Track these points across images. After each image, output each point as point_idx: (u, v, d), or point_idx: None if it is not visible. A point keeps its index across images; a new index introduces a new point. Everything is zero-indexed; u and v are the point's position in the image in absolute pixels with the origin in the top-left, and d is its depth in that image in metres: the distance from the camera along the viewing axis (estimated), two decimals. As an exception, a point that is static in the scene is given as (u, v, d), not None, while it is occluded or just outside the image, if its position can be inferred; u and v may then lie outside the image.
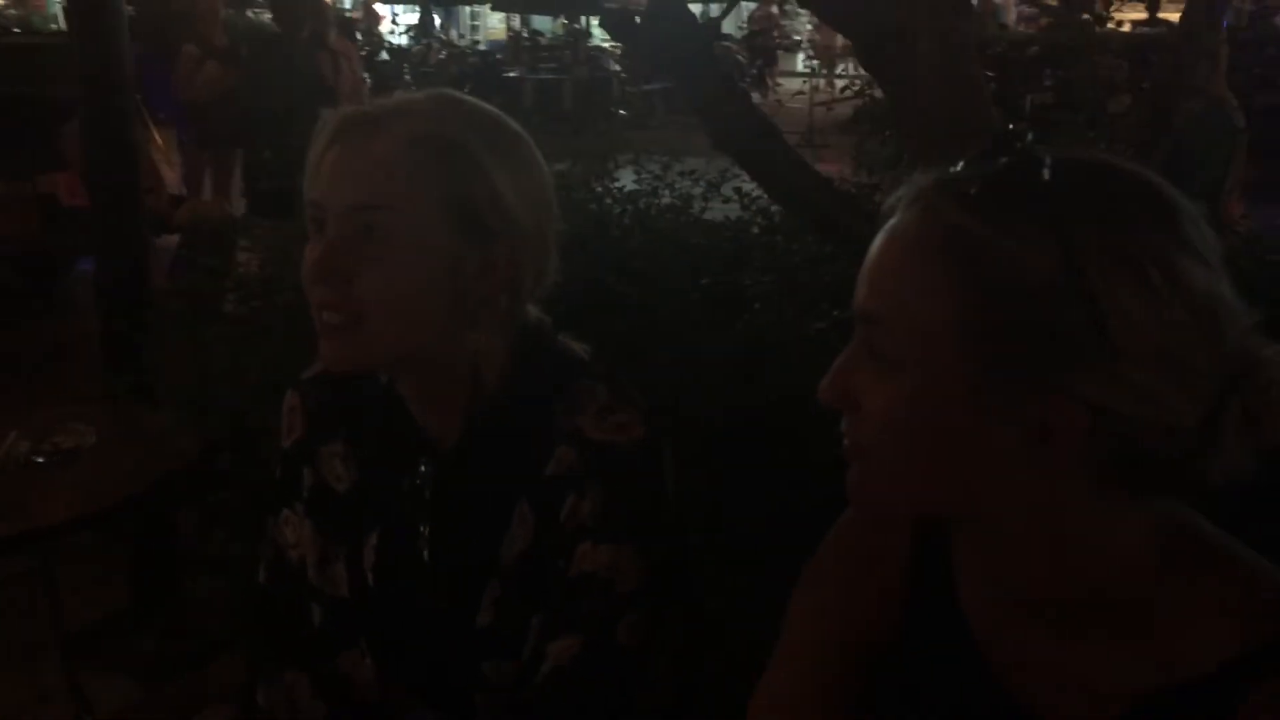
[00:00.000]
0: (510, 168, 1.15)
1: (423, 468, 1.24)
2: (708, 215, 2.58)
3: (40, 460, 2.09)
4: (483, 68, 14.79)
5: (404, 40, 17.06)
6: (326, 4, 6.04)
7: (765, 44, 17.63)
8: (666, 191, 2.57)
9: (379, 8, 18.86)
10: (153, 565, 2.92)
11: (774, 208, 2.31)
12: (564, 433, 1.17)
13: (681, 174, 2.58)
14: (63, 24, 16.94)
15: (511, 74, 14.41)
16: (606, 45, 14.80)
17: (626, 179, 2.79)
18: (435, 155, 1.11)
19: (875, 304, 0.83)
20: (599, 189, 2.64)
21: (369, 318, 1.11)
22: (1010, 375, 0.78)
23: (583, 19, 14.50)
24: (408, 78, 12.99)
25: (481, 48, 17.25)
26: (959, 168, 0.84)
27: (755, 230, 2.31)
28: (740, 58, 16.52)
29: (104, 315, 2.78)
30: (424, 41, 15.74)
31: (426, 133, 1.12)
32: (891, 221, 0.85)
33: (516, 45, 15.91)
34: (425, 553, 1.25)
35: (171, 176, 5.67)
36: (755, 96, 16.96)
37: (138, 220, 2.82)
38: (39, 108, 5.64)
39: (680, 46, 1.58)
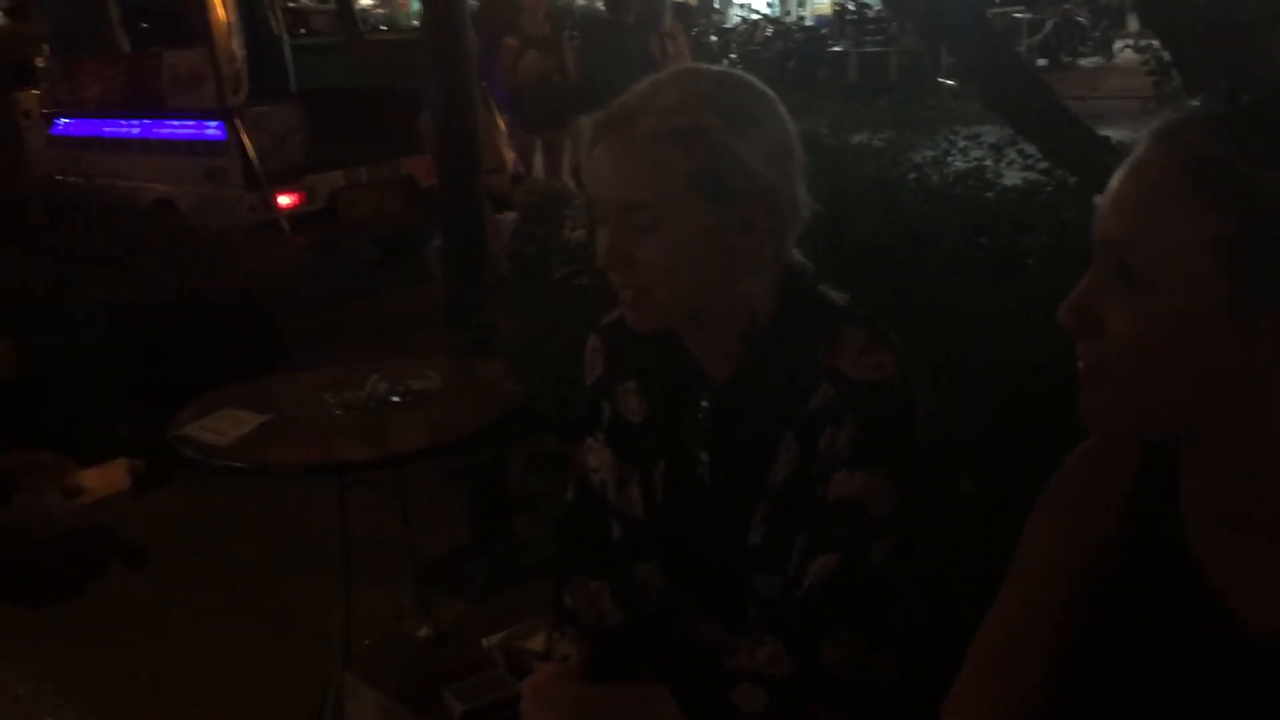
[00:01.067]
0: (750, 133, 1.27)
1: (704, 403, 1.39)
2: (1006, 181, 2.59)
3: (396, 400, 2.43)
4: (808, 43, 14.84)
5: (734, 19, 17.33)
6: (659, -11, 6.29)
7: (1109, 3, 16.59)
8: (958, 157, 2.61)
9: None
10: (489, 504, 3.25)
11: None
12: (826, 371, 1.29)
13: (968, 139, 2.62)
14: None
15: (837, 48, 14.38)
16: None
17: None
18: (678, 144, 1.25)
19: (1124, 230, 0.87)
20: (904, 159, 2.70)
21: (654, 291, 1.29)
22: (1264, 293, 0.82)
23: (910, -11, 14.17)
24: (734, 56, 13.24)
25: (808, 23, 17.28)
26: (1201, 103, 0.88)
27: (1047, 193, 2.32)
28: (1081, 19, 15.67)
29: (447, 279, 3.14)
30: (750, 20, 15.94)
31: (668, 126, 1.25)
32: (1136, 154, 0.89)
33: (842, 19, 15.84)
34: (706, 477, 1.40)
35: (513, 158, 6.14)
36: (1098, 60, 16.09)
37: (476, 195, 3.15)
38: (401, 98, 6.22)
39: (951, 13, 1.64)
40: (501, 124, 6.15)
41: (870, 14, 15.83)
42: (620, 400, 1.47)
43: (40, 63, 7.77)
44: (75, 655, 3.03)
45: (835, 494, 1.27)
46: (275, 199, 6.10)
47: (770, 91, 1.34)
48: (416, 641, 2.14)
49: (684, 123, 1.26)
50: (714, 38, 15.04)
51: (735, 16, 18.13)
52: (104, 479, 1.34)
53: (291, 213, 6.19)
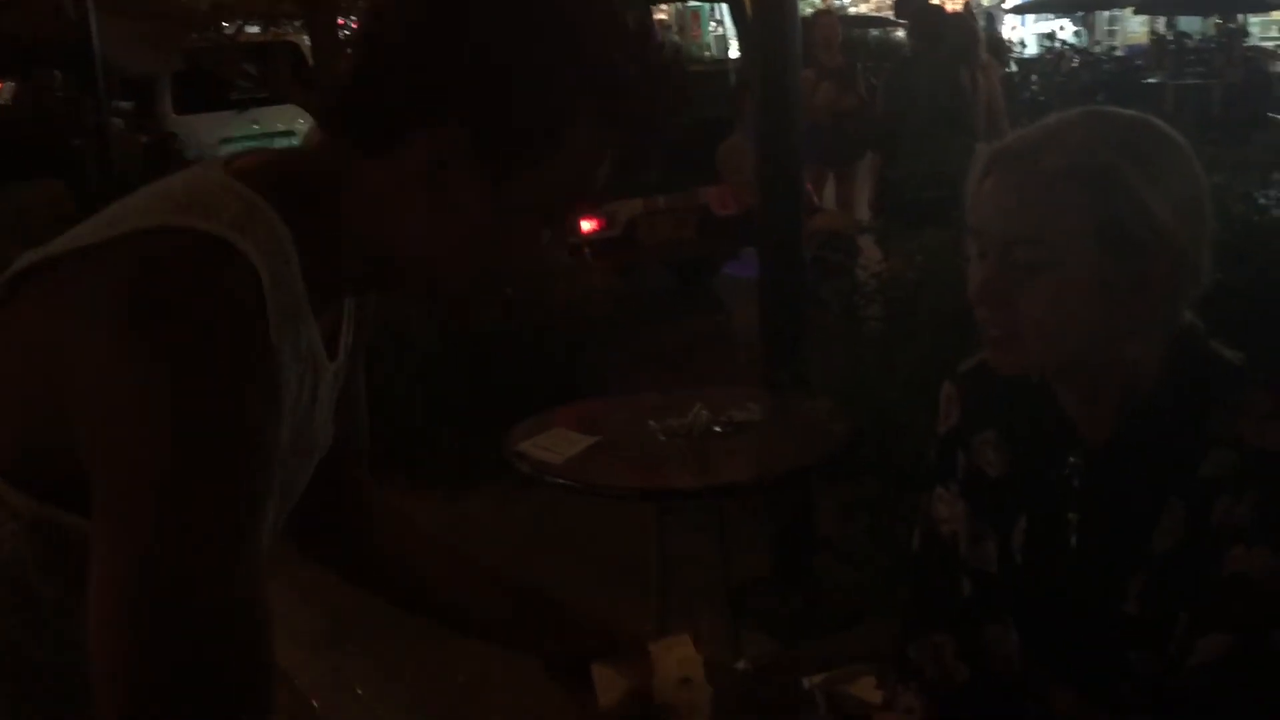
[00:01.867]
0: (1162, 182, 1.18)
1: (1072, 459, 1.31)
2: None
3: (718, 430, 2.44)
4: (1119, 74, 14.10)
5: (1033, 49, 16.73)
6: (973, 22, 6.16)
7: None
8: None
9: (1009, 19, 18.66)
10: (793, 540, 3.22)
11: None
12: (1223, 437, 1.19)
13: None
14: (715, 52, 18.69)
15: (1151, 80, 13.60)
16: (1269, 45, 13.43)
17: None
18: (1083, 186, 1.17)
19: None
20: (1261, 199, 2.50)
21: (1026, 335, 1.22)
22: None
23: (1239, 16, 13.28)
24: (1035, 88, 12.77)
25: (1118, 53, 16.44)
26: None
27: None
28: None
29: (763, 311, 3.14)
30: (1055, 49, 15.32)
31: (1074, 164, 1.18)
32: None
33: (1161, 49, 14.97)
34: (1073, 539, 1.31)
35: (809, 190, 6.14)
36: None
37: (797, 227, 3.14)
38: (699, 128, 6.36)
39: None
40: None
41: (1190, 43, 14.92)
42: (976, 452, 1.41)
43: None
44: (399, 652, 3.17)
45: (1232, 569, 1.17)
46: (578, 224, 6.29)
47: (1183, 140, 1.24)
48: (734, 673, 2.13)
49: (1095, 163, 1.18)
50: (1014, 67, 14.54)
51: (1040, 45, 17.50)
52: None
53: (592, 238, 6.38)
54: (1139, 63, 14.86)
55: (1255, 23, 16.36)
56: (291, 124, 10.54)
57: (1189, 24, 16.56)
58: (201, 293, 0.83)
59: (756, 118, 3.21)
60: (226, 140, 9.51)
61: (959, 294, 1.30)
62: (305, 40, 9.89)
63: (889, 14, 15.84)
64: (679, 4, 18.25)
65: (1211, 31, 15.18)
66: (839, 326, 2.93)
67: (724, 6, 12.24)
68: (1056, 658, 1.36)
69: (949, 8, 6.50)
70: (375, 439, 1.30)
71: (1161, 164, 1.21)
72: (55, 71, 9.84)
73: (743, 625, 2.98)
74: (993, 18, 17.71)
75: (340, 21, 7.79)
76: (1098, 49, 16.66)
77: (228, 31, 11.29)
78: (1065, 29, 17.88)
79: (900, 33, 11.67)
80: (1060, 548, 1.33)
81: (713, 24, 21.21)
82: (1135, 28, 20.23)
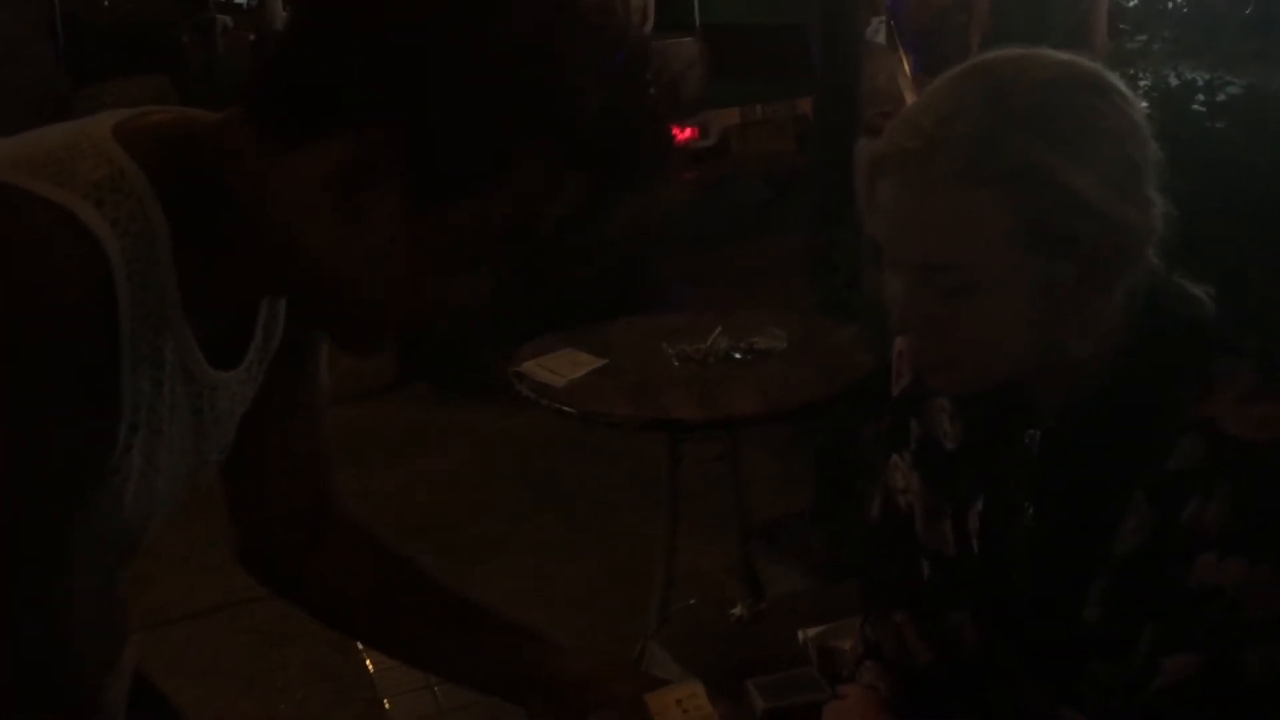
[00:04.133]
0: (1085, 153, 0.97)
1: (1030, 432, 1.14)
2: None
3: (737, 356, 2.28)
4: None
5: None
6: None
7: None
8: None
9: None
10: (832, 475, 3.07)
11: None
12: (1193, 421, 1.00)
13: None
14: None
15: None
16: None
17: None
18: (992, 189, 0.97)
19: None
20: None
21: (961, 361, 1.07)
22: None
23: None
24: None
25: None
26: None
27: None
28: None
29: (813, 227, 2.94)
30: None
31: (974, 164, 0.98)
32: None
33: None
34: (1031, 529, 1.16)
35: (911, 100, 5.81)
36: None
37: (851, 138, 2.92)
38: (796, 35, 6.09)
39: None
40: (906, 65, 5.83)
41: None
42: (932, 419, 1.25)
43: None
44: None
45: (1199, 580, 0.99)
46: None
47: (1096, 69, 1.02)
48: (730, 621, 2.00)
49: (1000, 160, 0.97)
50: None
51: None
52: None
53: (684, 147, 6.19)
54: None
55: None
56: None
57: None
58: (14, 275, 0.71)
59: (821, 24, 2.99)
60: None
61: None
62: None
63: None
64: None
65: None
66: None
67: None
68: (1019, 653, 1.22)
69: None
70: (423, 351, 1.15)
71: (1080, 129, 0.99)
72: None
73: (771, 558, 2.86)
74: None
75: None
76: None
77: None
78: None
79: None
80: (1017, 538, 1.18)
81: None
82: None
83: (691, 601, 2.56)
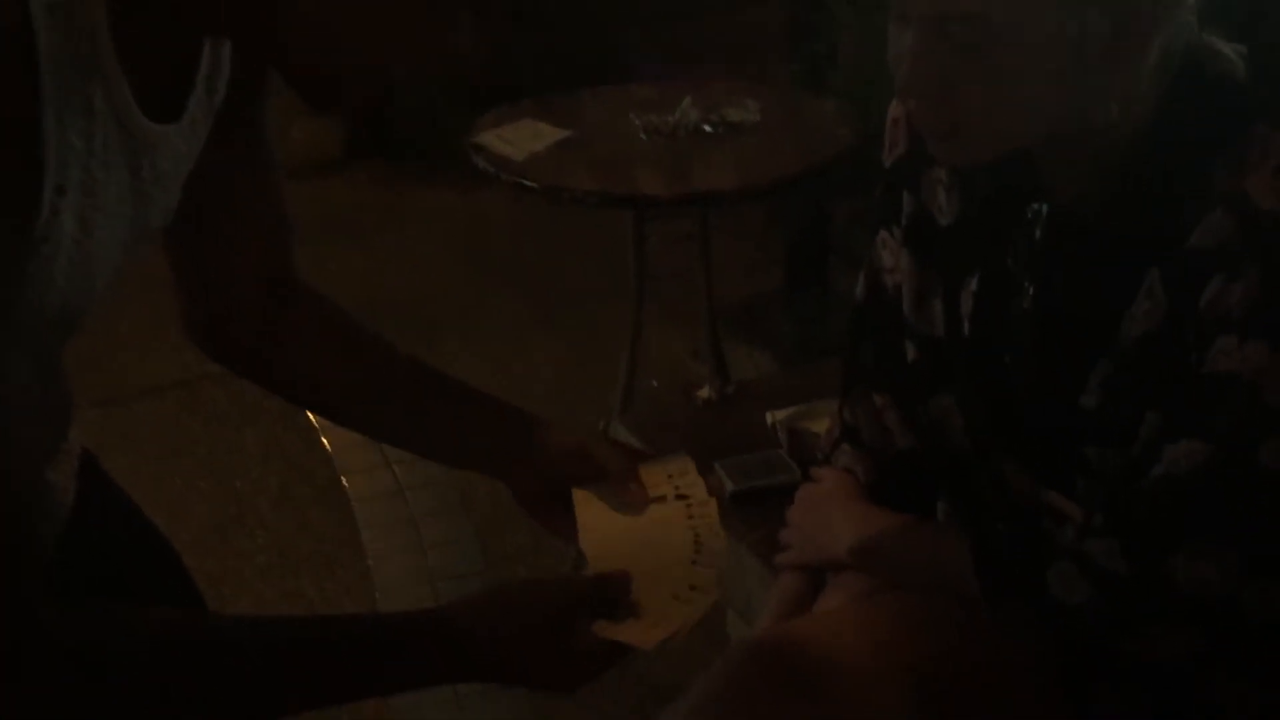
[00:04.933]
0: None
1: (1035, 208, 1.07)
2: None
3: (708, 129, 2.16)
4: None
5: None
6: None
7: None
8: None
9: None
10: (805, 254, 3.00)
11: None
12: (1222, 196, 0.93)
13: None
14: None
15: None
16: None
17: None
18: None
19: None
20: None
21: (975, 125, 0.97)
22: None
23: None
24: None
25: None
26: None
27: None
28: None
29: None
30: None
31: None
32: None
33: None
34: (1029, 311, 1.10)
35: None
36: None
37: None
38: None
39: None
40: None
41: None
42: (926, 192, 1.16)
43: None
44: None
45: (1217, 366, 0.94)
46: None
47: None
48: (697, 402, 1.96)
49: None
50: None
51: None
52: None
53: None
54: None
55: None
56: None
57: None
58: None
59: None
60: None
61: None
62: None
63: None
64: None
65: None
66: (866, 17, 2.56)
67: None
68: (1007, 440, 1.18)
69: None
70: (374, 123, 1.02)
71: None
72: None
73: (737, 340, 2.81)
74: None
75: None
76: None
77: None
78: None
79: None
80: (1014, 321, 1.11)
81: None
82: None
83: (654, 384, 2.53)
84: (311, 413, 1.18)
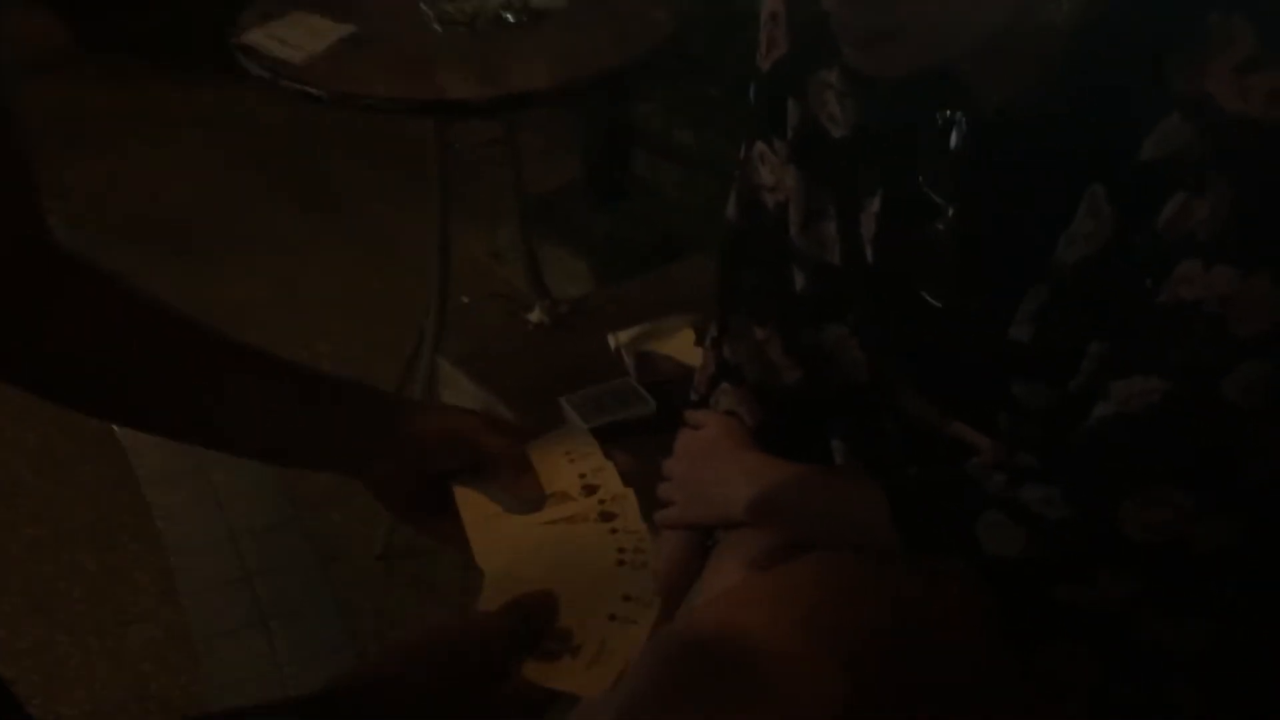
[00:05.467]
0: None
1: (950, 114, 0.93)
2: None
3: (509, 19, 1.93)
4: None
5: None
6: None
7: None
8: None
9: None
10: (609, 144, 2.81)
11: None
12: (1180, 97, 0.81)
13: None
14: None
15: None
16: None
17: None
18: None
19: None
20: None
21: (910, 29, 0.83)
22: None
23: None
24: None
25: None
26: None
27: None
28: None
29: None
30: None
31: None
32: None
33: None
34: (944, 233, 0.97)
35: None
36: None
37: None
38: None
39: None
40: None
41: None
42: (815, 98, 1.02)
43: None
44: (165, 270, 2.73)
45: (1178, 294, 0.83)
46: None
47: None
48: (528, 328, 1.77)
49: None
50: None
51: None
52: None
53: None
54: None
55: None
56: None
57: None
58: None
59: None
60: None
61: None
62: None
63: None
64: None
65: None
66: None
67: None
68: (915, 375, 1.07)
69: None
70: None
71: None
72: None
73: (551, 242, 2.63)
74: None
75: None
76: None
77: None
78: None
79: None
80: (928, 244, 0.98)
81: None
82: None
83: (465, 299, 2.32)
84: (92, 415, 0.93)
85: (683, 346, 1.66)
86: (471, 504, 0.81)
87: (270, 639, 2.04)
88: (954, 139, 0.94)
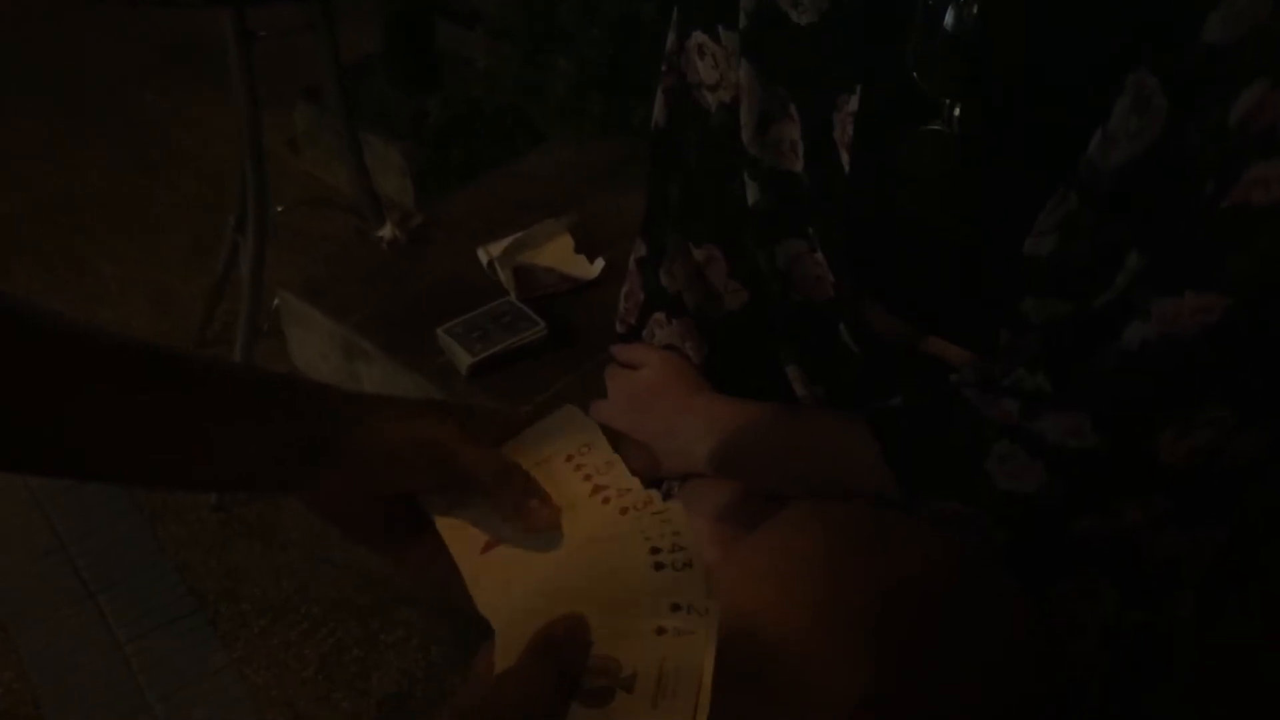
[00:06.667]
0: None
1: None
2: None
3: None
4: None
5: None
6: None
7: None
8: None
9: None
10: (406, 19, 2.54)
11: None
12: None
13: None
14: None
15: None
16: None
17: None
18: None
19: None
20: None
21: None
22: None
23: None
24: None
25: None
26: None
27: None
28: None
29: None
30: None
31: None
32: None
33: None
34: (946, 134, 0.83)
35: None
36: None
37: None
38: None
39: None
40: None
41: None
42: None
43: None
44: None
45: (1246, 198, 0.71)
46: None
47: None
48: (383, 248, 1.56)
49: None
50: None
51: None
52: None
53: None
54: None
55: None
56: None
57: None
58: None
59: None
60: None
61: None
62: None
63: None
64: None
65: None
66: None
67: None
68: (890, 291, 0.94)
69: None
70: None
71: None
72: None
73: (362, 128, 2.36)
74: None
75: None
76: None
77: None
78: None
79: None
80: (926, 148, 0.84)
81: None
82: None
83: (280, 208, 2.06)
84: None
85: (561, 254, 1.49)
86: (460, 539, 0.64)
87: (101, 613, 1.80)
88: (950, 17, 0.80)
